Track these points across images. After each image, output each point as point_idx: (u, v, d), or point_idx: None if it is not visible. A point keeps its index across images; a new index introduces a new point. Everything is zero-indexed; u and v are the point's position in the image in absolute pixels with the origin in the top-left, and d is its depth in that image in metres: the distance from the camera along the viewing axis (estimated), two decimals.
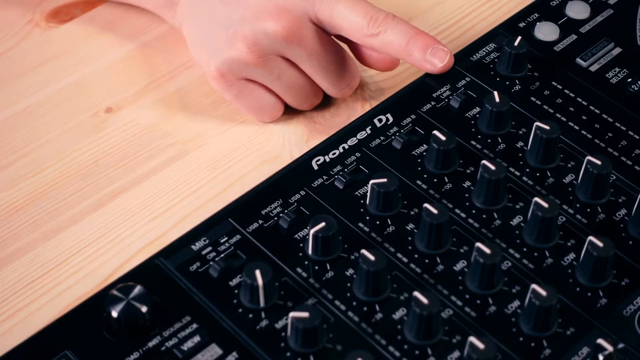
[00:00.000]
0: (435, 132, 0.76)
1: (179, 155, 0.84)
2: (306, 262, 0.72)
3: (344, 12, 0.81)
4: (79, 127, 0.85)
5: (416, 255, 0.73)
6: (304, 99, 0.85)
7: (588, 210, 0.75)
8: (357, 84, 0.86)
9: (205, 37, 0.83)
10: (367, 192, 0.75)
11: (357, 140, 0.79)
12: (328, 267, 0.72)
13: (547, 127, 0.76)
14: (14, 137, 0.85)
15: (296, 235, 0.73)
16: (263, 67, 0.82)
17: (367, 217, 0.74)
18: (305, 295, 0.70)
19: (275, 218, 0.74)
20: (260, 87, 0.84)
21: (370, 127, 0.80)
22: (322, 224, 0.71)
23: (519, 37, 0.83)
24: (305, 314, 0.66)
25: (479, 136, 0.79)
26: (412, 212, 0.75)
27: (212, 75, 0.82)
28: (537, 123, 0.76)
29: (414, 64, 0.82)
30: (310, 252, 0.72)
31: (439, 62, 0.82)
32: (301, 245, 0.73)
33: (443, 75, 0.83)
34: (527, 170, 0.77)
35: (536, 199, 0.72)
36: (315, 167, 0.77)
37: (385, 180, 0.74)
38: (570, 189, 0.76)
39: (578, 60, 0.85)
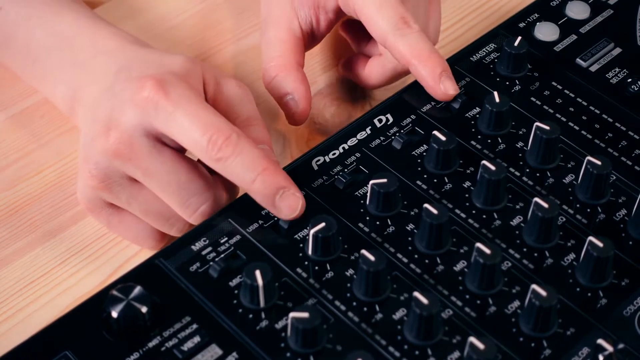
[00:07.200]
0: (435, 133, 0.76)
1: None
2: (306, 263, 0.72)
3: (182, 123, 0.69)
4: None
5: (416, 256, 0.72)
6: (170, 223, 0.74)
7: (588, 210, 0.75)
8: (211, 209, 0.73)
9: (79, 157, 0.74)
10: (367, 192, 0.75)
11: (357, 141, 0.79)
12: (328, 267, 0.72)
13: (547, 128, 0.76)
14: (14, 137, 0.85)
15: (296, 236, 0.73)
16: (109, 192, 0.72)
17: (367, 218, 0.74)
18: (305, 296, 0.70)
19: (276, 218, 0.74)
20: (128, 214, 0.75)
21: (370, 127, 0.80)
22: (322, 224, 0.71)
23: (519, 37, 0.83)
24: (305, 314, 0.66)
25: (479, 136, 0.79)
26: (412, 213, 0.75)
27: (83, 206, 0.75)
28: (537, 123, 0.76)
29: (262, 204, 0.72)
30: (310, 252, 0.72)
31: (287, 210, 0.71)
32: (301, 245, 0.73)
33: None
34: (527, 170, 0.77)
35: (536, 199, 0.72)
36: (315, 167, 0.77)
37: (385, 180, 0.73)
38: (570, 189, 0.76)
39: (578, 60, 0.85)
